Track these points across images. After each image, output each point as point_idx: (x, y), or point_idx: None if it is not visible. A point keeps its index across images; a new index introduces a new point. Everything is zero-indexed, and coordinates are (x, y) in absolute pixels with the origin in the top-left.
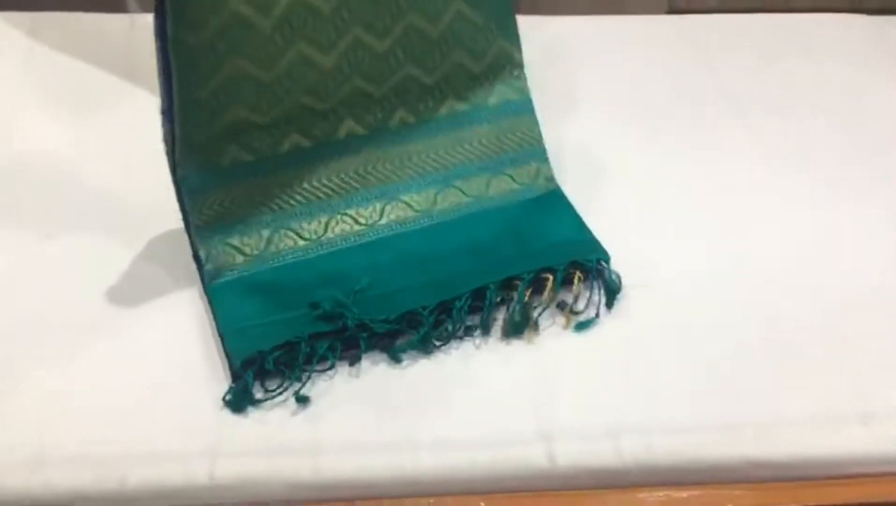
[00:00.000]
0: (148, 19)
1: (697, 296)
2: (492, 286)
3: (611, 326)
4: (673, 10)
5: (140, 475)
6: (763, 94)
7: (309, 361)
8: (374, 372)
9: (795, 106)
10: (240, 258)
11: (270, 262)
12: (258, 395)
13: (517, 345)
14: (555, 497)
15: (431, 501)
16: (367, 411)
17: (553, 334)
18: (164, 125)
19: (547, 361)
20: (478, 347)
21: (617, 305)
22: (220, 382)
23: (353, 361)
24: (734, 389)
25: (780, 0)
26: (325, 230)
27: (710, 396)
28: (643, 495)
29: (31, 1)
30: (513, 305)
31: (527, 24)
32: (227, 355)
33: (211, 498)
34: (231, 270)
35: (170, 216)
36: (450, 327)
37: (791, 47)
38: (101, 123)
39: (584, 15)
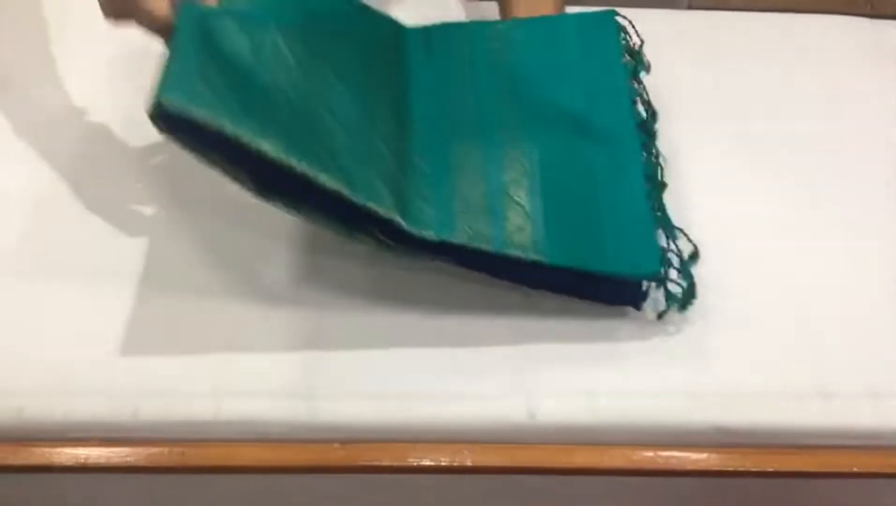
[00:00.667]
0: None
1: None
2: None
3: None
4: (693, 6)
5: (151, 409)
6: (756, 95)
7: None
8: (366, 324)
9: (788, 108)
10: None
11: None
12: None
13: (504, 308)
14: (532, 449)
15: (418, 446)
16: (359, 360)
17: (539, 299)
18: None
19: (531, 324)
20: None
21: None
22: (228, 323)
23: None
24: (705, 360)
25: (803, 1)
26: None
27: (683, 365)
28: (614, 451)
29: None
30: None
31: None
32: None
33: (215, 433)
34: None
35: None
36: None
37: (789, 48)
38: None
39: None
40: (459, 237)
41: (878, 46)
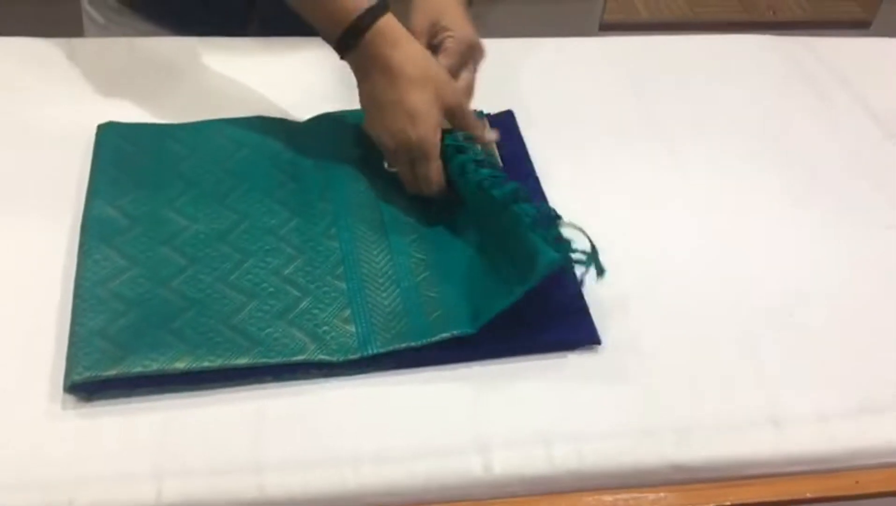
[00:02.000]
0: None
1: (620, 307)
2: None
3: None
4: (604, 27)
5: (87, 497)
6: (682, 114)
7: None
8: (310, 388)
9: (712, 125)
10: None
11: None
12: None
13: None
14: (491, 505)
15: None
16: (306, 427)
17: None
18: None
19: (480, 373)
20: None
21: None
22: (164, 398)
23: None
24: (655, 397)
25: (707, 12)
26: None
27: (634, 404)
28: (573, 499)
29: None
30: None
31: None
32: None
33: None
34: None
35: None
36: None
37: (705, 68)
38: None
39: (514, 37)
40: (383, 346)
41: (788, 62)
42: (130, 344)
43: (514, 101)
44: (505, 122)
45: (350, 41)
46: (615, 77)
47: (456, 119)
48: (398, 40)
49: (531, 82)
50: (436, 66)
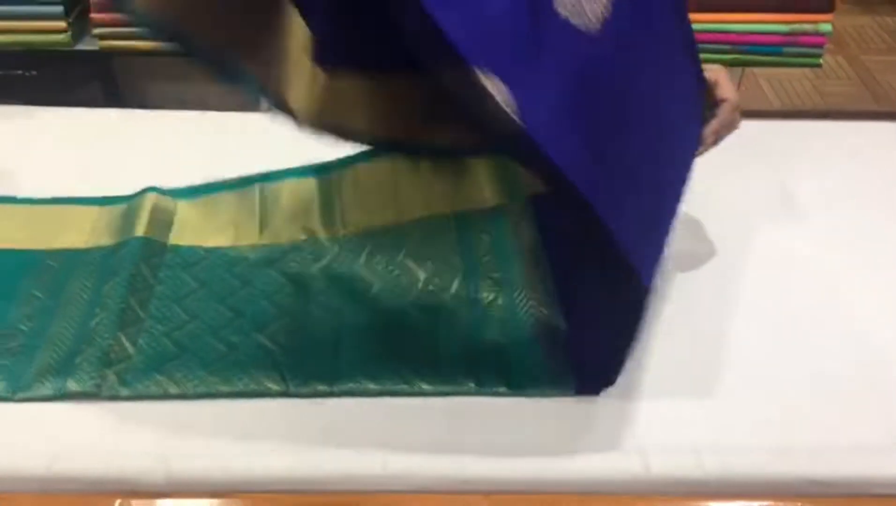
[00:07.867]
0: None
1: None
2: None
3: None
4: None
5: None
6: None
7: None
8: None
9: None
10: None
11: None
12: None
13: None
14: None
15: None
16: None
17: None
18: None
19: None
20: None
21: None
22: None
23: None
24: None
25: (838, 102)
26: None
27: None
28: None
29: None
30: None
31: None
32: None
33: None
34: None
35: None
36: None
37: (842, 152)
38: None
39: None
40: None
41: None
42: None
43: None
44: None
45: None
46: (749, 156)
47: None
48: None
49: None
50: None
